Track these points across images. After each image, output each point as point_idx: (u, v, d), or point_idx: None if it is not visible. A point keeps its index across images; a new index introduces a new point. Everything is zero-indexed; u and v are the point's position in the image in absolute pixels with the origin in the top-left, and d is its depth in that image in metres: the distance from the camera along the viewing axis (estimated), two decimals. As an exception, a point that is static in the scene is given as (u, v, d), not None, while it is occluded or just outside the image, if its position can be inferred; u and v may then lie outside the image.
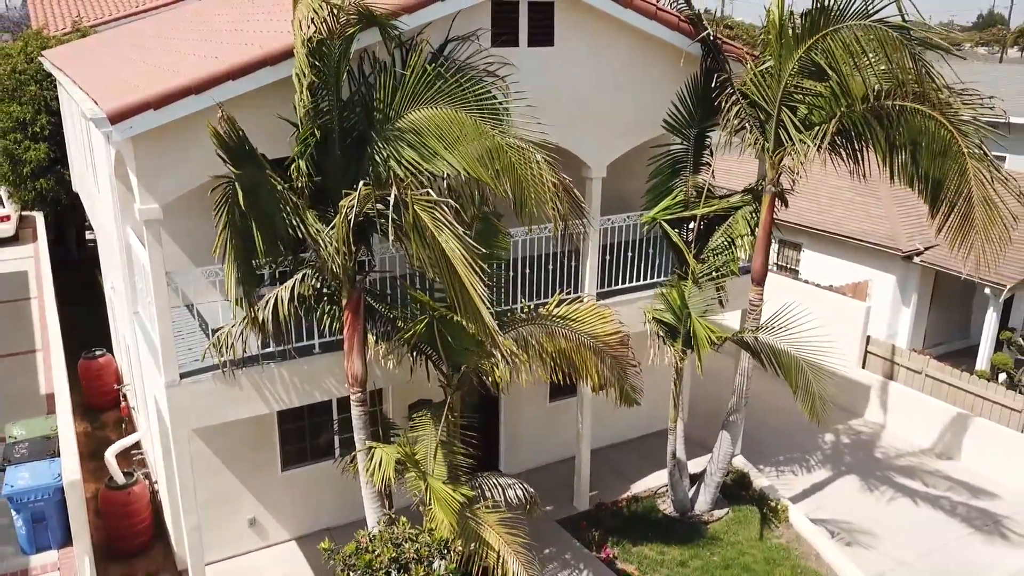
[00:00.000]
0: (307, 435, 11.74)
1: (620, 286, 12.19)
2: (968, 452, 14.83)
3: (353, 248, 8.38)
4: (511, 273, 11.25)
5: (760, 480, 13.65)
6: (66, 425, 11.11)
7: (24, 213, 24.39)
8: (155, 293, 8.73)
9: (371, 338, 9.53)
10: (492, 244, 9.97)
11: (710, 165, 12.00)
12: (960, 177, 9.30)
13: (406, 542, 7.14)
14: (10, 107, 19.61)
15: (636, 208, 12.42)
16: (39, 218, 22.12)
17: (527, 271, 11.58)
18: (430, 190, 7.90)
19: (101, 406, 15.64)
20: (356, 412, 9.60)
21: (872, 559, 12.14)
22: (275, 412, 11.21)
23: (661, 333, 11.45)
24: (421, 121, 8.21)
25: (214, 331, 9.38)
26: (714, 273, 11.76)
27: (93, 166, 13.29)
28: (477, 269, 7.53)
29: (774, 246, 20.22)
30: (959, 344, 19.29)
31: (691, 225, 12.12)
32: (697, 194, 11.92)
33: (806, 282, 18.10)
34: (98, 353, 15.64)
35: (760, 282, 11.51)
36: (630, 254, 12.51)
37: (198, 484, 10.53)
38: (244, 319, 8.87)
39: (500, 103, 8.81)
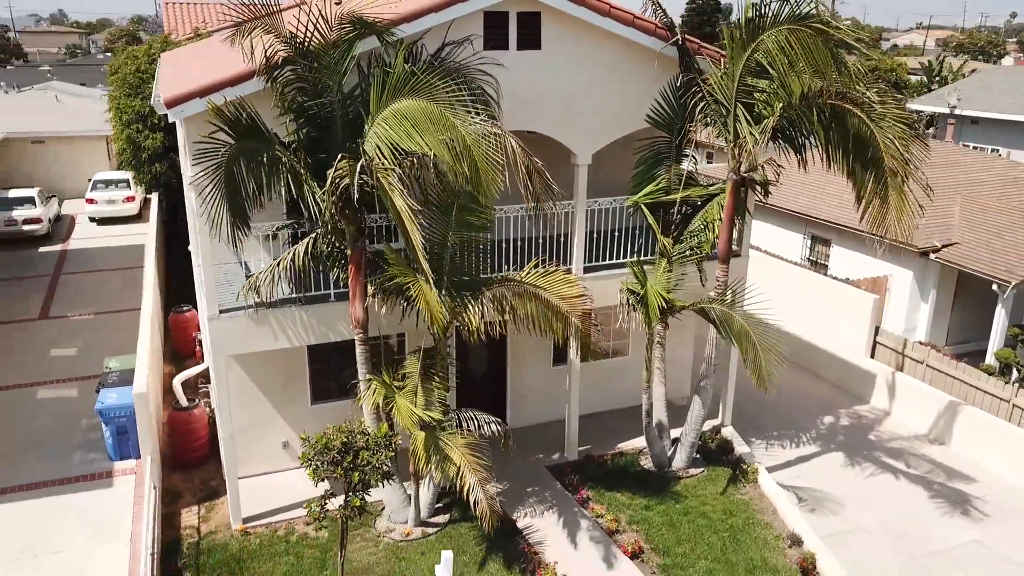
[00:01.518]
0: (333, 375, 13.93)
1: (607, 262, 13.79)
2: (958, 438, 15.50)
3: (345, 210, 10.44)
4: (511, 249, 13.03)
5: (742, 448, 14.87)
6: (142, 357, 13.77)
7: (147, 196, 28.16)
8: (200, 246, 11.11)
9: (371, 288, 11.59)
10: (474, 216, 11.89)
11: (692, 155, 13.41)
12: (877, 167, 10.47)
13: (359, 435, 9.10)
14: (133, 102, 23.02)
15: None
16: (154, 199, 25.60)
17: (527, 248, 13.32)
18: (394, 166, 9.88)
19: (185, 353, 18.48)
20: (359, 349, 11.73)
21: (830, 521, 13.23)
22: (306, 354, 13.52)
23: (632, 302, 12.96)
24: (399, 110, 10.16)
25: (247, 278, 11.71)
26: (687, 252, 13.17)
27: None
28: (414, 219, 9.44)
29: (806, 241, 21.15)
30: (985, 343, 19.57)
31: (674, 210, 13.56)
32: (680, 182, 13.37)
33: (827, 274, 18.98)
34: (184, 308, 18.52)
35: (725, 260, 12.85)
36: (619, 235, 14.06)
37: (241, 410, 12.95)
38: (269, 268, 11.16)
39: (467, 97, 10.60)
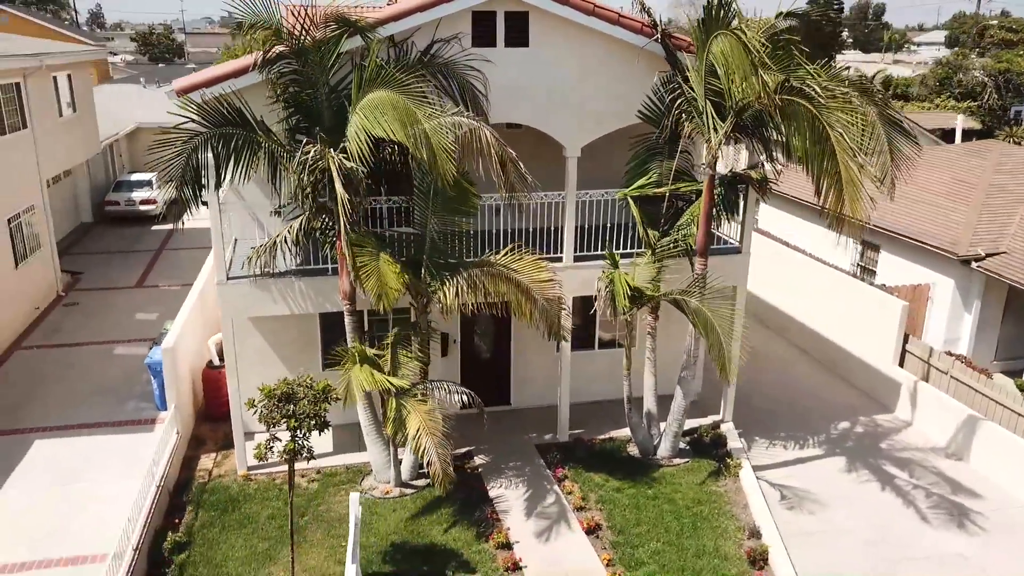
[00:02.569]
0: (343, 344, 15.13)
1: (599, 252, 14.29)
2: (975, 454, 14.89)
3: (329, 191, 11.58)
4: (507, 239, 13.76)
5: (735, 443, 14.96)
6: (179, 320, 15.53)
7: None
8: (212, 220, 12.58)
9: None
10: (463, 202, 12.77)
11: (684, 150, 13.68)
12: (831, 160, 10.54)
13: (300, 387, 10.18)
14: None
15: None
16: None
17: (524, 238, 13.98)
18: (368, 152, 10.91)
19: (218, 415, 19.80)
20: (347, 320, 12.90)
21: (805, 520, 13.19)
22: (318, 323, 14.83)
23: (604, 290, 13.39)
24: (371, 100, 11.15)
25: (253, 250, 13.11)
26: (671, 246, 13.49)
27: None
28: (350, 200, 10.50)
29: (856, 247, 20.64)
30: (1042, 360, 18.50)
31: (664, 205, 13.89)
32: (672, 177, 13.70)
33: (874, 280, 18.53)
34: (218, 364, 19.93)
35: (703, 254, 13.08)
36: (614, 229, 14.51)
37: (260, 371, 14.31)
38: (270, 242, 12.51)
39: (432, 90, 11.48)
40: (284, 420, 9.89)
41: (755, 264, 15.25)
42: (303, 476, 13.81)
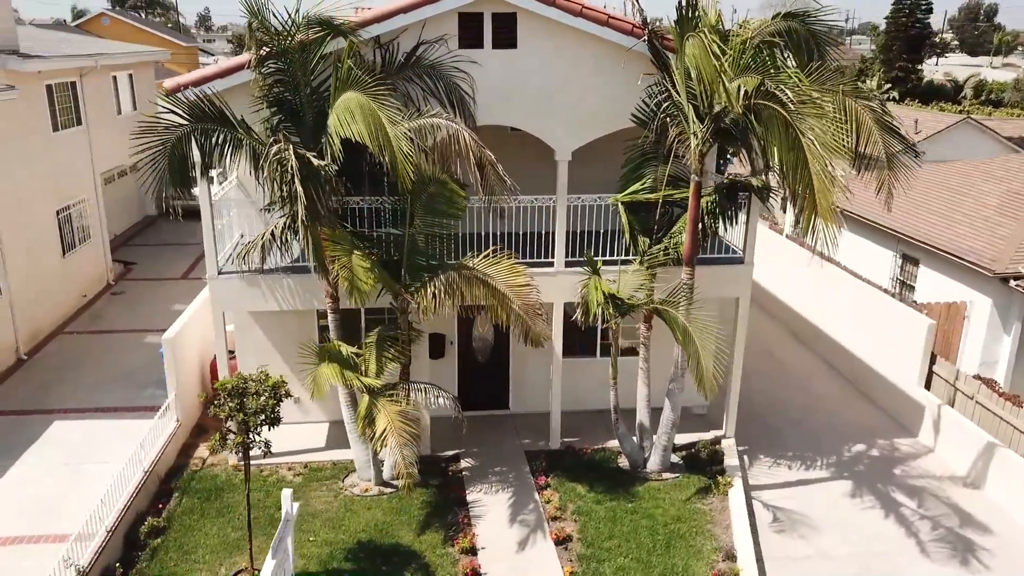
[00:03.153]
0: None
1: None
2: (992, 483, 13.91)
3: (305, 189, 11.75)
4: (495, 242, 13.69)
5: (732, 461, 14.41)
6: (187, 313, 16.06)
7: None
8: (203, 215, 12.97)
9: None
10: (448, 204, 12.75)
11: (678, 155, 13.25)
12: (804, 168, 10.01)
13: (252, 383, 10.35)
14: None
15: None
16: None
17: (517, 242, 13.93)
18: (338, 152, 11.04)
19: None
20: (330, 317, 13.06)
21: (793, 544, 12.59)
22: (316, 319, 15.07)
23: (584, 297, 13.08)
24: (344, 100, 11.23)
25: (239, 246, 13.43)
26: (659, 254, 13.10)
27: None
28: (316, 195, 10.62)
29: (896, 259, 19.63)
30: (1093, 388, 17.06)
31: (657, 211, 13.50)
32: (667, 183, 13.31)
33: (912, 297, 17.55)
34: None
35: (689, 263, 12.63)
36: (609, 235, 14.19)
37: (258, 365, 14.62)
38: (254, 240, 12.79)
39: (385, 92, 11.36)
40: (233, 415, 10.07)
41: (787, 273, 14.69)
42: (290, 469, 14.08)
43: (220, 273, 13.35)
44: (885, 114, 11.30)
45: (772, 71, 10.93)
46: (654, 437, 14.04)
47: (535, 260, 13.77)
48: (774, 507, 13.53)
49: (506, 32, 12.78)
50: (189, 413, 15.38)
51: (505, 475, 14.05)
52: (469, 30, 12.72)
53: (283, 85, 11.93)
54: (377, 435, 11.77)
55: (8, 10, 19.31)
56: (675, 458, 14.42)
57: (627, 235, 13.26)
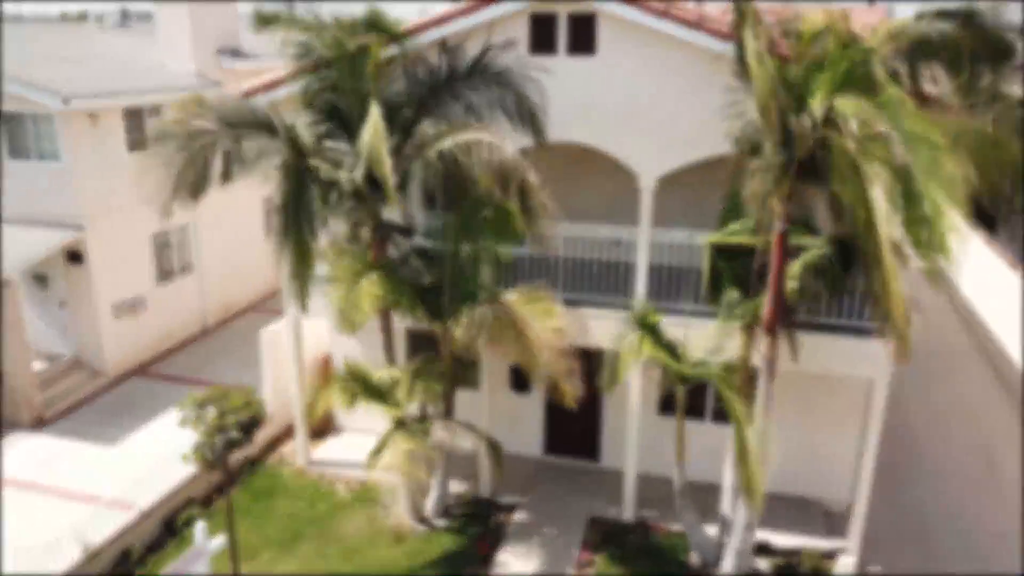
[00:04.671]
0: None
1: (683, 306, 11.72)
2: None
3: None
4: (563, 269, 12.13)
5: (842, 584, 11.26)
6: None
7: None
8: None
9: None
10: (502, 228, 11.40)
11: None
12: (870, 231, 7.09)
13: (218, 402, 9.91)
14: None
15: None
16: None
17: (589, 272, 12.24)
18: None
19: None
20: (382, 337, 12.42)
21: None
22: (405, 336, 14.50)
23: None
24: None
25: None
26: (749, 313, 10.47)
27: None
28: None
29: None
30: None
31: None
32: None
33: None
34: None
35: (770, 330, 9.88)
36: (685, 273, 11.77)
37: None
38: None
39: None
40: (197, 427, 9.81)
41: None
42: (346, 484, 13.75)
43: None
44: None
45: (869, 91, 8.03)
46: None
47: (607, 299, 11.90)
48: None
49: (583, 37, 11.04)
50: (285, 408, 15.70)
51: (552, 540, 12.33)
52: (541, 34, 11.18)
53: (333, 91, 11.41)
54: (380, 468, 10.88)
55: (234, 12, 21.26)
56: (762, 564, 11.62)
57: (705, 284, 10.81)
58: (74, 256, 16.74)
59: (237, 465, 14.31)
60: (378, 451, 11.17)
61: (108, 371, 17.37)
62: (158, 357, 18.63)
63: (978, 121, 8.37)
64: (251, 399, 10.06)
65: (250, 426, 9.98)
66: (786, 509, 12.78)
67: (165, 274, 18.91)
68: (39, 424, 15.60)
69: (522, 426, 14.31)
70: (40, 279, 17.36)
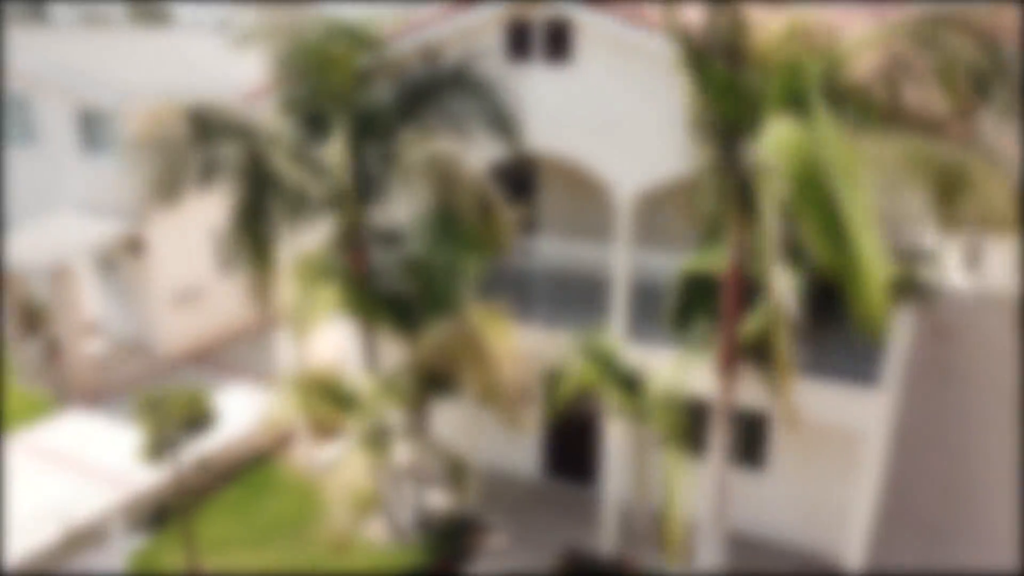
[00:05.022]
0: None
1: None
2: None
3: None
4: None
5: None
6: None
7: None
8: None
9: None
10: (469, 243, 10.98)
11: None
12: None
13: (162, 402, 10.03)
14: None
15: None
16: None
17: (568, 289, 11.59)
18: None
19: None
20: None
21: None
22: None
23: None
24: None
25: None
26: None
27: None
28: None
29: None
30: None
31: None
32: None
33: None
34: None
35: (724, 371, 8.87)
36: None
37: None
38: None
39: None
40: (143, 426, 10.07)
41: None
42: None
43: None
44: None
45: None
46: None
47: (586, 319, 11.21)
48: None
49: (559, 45, 10.41)
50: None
51: (519, 569, 11.80)
52: (516, 41, 10.64)
53: (312, 99, 11.37)
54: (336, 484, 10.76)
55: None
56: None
57: (670, 312, 9.91)
58: (135, 245, 17.80)
59: (234, 463, 14.71)
60: (339, 464, 11.06)
61: (164, 356, 18.36)
62: (214, 346, 19.49)
63: (946, 145, 7.10)
64: (196, 400, 10.22)
65: (195, 426, 10.15)
66: (788, 564, 11.61)
67: (224, 266, 19.76)
68: (93, 400, 16.69)
69: (519, 445, 13.82)
70: (109, 265, 18.60)
